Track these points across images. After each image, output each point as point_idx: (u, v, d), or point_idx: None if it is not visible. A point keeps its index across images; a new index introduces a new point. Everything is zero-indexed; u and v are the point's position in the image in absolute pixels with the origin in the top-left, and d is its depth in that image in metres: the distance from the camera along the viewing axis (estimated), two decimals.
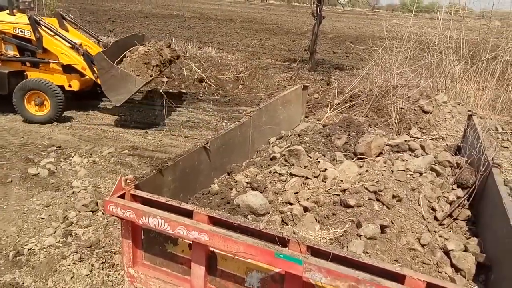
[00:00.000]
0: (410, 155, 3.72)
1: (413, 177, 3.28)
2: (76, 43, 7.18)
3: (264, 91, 10.80)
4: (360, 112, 7.54)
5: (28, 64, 7.53)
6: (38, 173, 5.49)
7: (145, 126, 7.70)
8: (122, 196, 2.33)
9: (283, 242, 2.05)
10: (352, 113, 7.41)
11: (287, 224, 2.80)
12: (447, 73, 7.70)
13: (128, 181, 2.38)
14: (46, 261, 3.90)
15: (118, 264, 3.90)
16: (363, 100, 8.03)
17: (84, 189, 5.17)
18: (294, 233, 2.12)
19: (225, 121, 8.33)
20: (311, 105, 8.90)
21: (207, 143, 3.39)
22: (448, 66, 7.75)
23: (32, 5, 8.26)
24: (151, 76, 7.10)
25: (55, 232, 4.33)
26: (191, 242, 2.24)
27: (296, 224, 2.78)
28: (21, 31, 7.28)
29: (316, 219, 2.81)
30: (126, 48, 7.53)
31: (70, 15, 8.52)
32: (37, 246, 4.11)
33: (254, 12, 41.76)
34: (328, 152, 3.82)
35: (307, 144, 3.91)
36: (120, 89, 6.73)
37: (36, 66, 7.53)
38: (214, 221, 2.22)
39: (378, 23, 31.45)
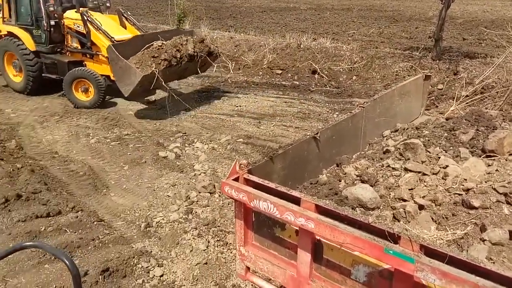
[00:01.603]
0: None
1: None
2: (113, 37, 7.74)
3: (380, 82, 10.29)
4: (493, 106, 6.69)
5: (88, 55, 8.44)
6: (167, 156, 6.18)
7: (258, 115, 8.03)
8: (236, 179, 2.50)
9: (394, 238, 1.97)
10: (483, 106, 6.62)
11: (398, 221, 2.66)
12: None
13: (242, 165, 2.54)
14: (171, 234, 4.39)
15: (230, 243, 4.19)
16: (497, 92, 7.10)
17: (204, 172, 5.66)
18: (406, 230, 2.01)
19: (337, 112, 8.20)
20: (433, 97, 8.22)
21: (317, 133, 3.40)
22: None
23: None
24: (152, 69, 7.10)
25: (178, 209, 4.84)
26: (297, 229, 2.30)
27: (409, 222, 2.63)
28: (78, 26, 8.26)
29: (432, 219, 2.61)
30: (149, 42, 7.69)
31: (128, 12, 9.10)
32: (163, 220, 4.65)
33: (373, 0, 39.74)
34: (451, 148, 3.49)
35: (426, 138, 3.63)
36: (126, 80, 7.11)
37: (92, 57, 8.40)
38: (321, 210, 2.23)
39: None
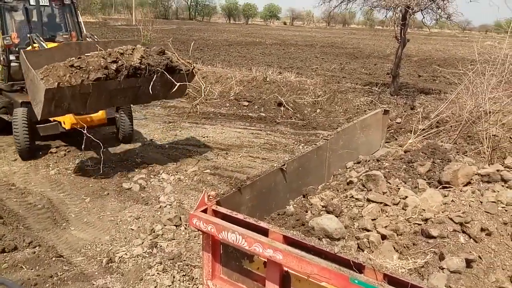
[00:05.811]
0: (502, 186, 3.42)
1: (506, 210, 3.00)
2: None
3: (343, 115, 10.69)
4: (448, 139, 7.07)
5: None
6: (131, 188, 6.04)
7: (225, 147, 8.08)
8: (205, 211, 2.50)
9: (359, 267, 2.03)
10: (439, 139, 6.99)
11: (363, 251, 2.74)
12: None
13: (210, 197, 2.55)
14: (134, 269, 4.24)
15: (197, 278, 4.10)
16: (451, 126, 7.54)
17: (169, 204, 5.56)
18: (370, 259, 2.08)
19: (302, 144, 8.39)
20: (392, 130, 8.60)
21: (283, 165, 3.48)
22: None
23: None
24: (58, 82, 5.01)
25: (142, 243, 4.70)
26: (266, 260, 2.31)
27: (373, 252, 2.70)
28: None
29: (394, 248, 2.70)
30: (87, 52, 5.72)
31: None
32: (126, 255, 4.49)
33: (335, 37, 41.75)
34: (410, 179, 3.66)
35: (387, 170, 3.79)
36: (36, 98, 5.19)
37: None
38: (288, 241, 2.27)
39: (469, 45, 29.44)
